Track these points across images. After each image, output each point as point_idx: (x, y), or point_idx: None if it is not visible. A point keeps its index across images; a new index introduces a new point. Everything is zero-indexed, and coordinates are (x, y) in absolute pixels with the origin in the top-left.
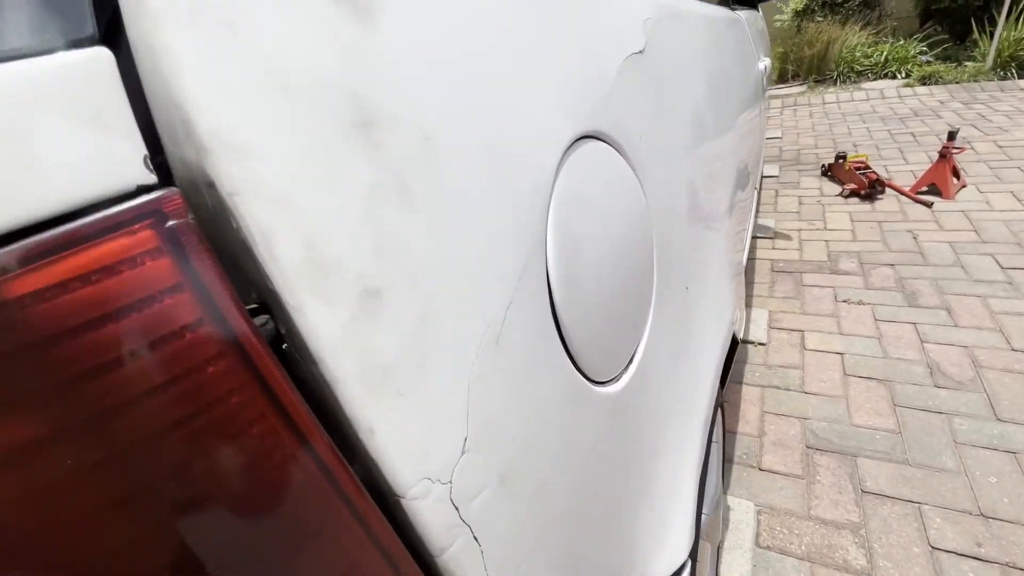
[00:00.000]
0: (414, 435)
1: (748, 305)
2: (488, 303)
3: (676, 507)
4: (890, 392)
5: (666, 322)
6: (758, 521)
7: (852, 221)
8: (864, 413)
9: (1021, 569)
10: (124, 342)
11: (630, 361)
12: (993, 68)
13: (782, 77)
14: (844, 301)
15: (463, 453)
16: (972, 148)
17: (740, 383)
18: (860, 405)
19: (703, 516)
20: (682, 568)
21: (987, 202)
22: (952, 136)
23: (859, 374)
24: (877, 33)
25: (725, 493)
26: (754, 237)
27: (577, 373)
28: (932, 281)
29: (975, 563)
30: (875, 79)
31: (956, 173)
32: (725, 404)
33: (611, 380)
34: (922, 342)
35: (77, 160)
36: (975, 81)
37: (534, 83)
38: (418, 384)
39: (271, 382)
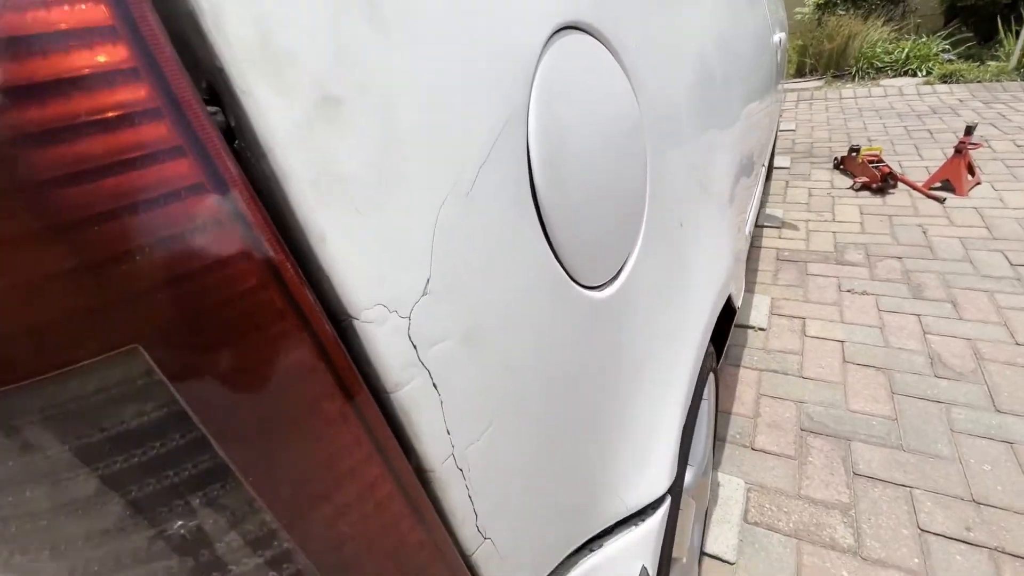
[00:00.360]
0: (370, 257)
1: (750, 291)
2: (460, 152)
3: (658, 437)
4: (889, 380)
5: (658, 247)
6: (747, 498)
7: (861, 214)
8: (861, 399)
9: (1010, 554)
10: (79, 112)
11: (618, 273)
12: (1017, 68)
13: (800, 71)
14: (848, 291)
15: (424, 294)
16: (989, 146)
17: (737, 366)
18: (858, 391)
19: (690, 471)
20: (660, 501)
21: (1001, 200)
22: (969, 131)
23: (858, 361)
24: (900, 29)
25: (715, 470)
26: (760, 226)
27: (557, 265)
28: (939, 275)
29: (963, 547)
30: (895, 76)
31: (971, 169)
32: (719, 374)
33: (597, 287)
34: (925, 333)
35: None
36: (997, 81)
37: None
38: (377, 206)
39: (221, 168)
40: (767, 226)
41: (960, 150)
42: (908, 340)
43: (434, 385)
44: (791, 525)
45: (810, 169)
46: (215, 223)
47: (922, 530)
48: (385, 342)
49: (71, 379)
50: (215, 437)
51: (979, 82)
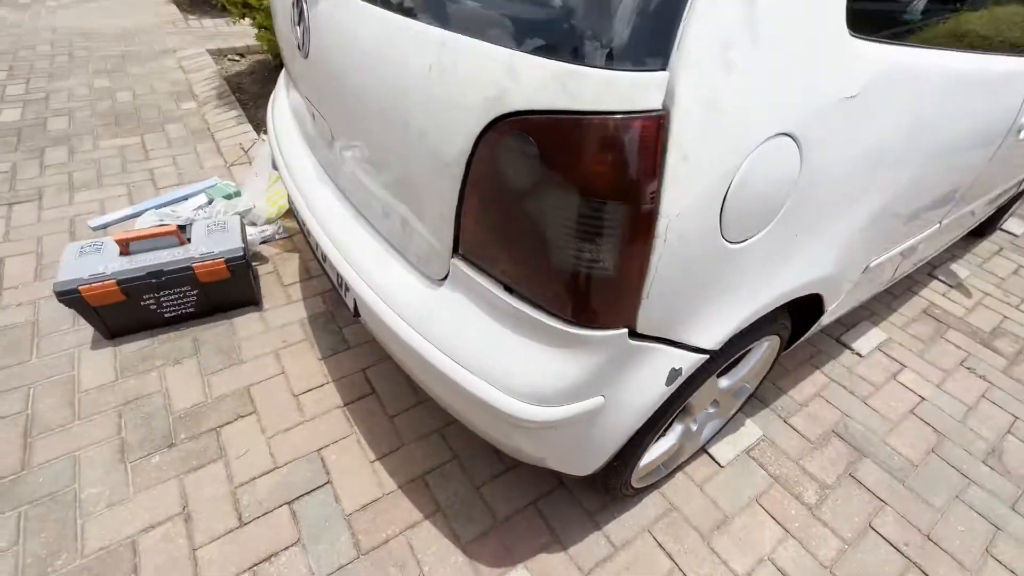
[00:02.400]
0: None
1: (873, 323)
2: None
3: (725, 322)
4: (938, 441)
5: (774, 237)
6: (757, 442)
7: None
8: (900, 440)
9: (924, 573)
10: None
11: (746, 239)
12: None
13: None
14: (969, 368)
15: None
16: None
17: (816, 368)
18: (903, 434)
19: (726, 380)
20: (705, 352)
21: None
22: None
23: (924, 418)
24: None
25: (748, 418)
26: (933, 276)
27: (720, 231)
28: None
29: (891, 550)
30: None
31: None
32: (784, 351)
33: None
34: (1008, 432)
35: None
36: None
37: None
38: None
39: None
40: (940, 279)
41: None
42: (986, 429)
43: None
44: (777, 472)
45: None
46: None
47: (871, 526)
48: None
49: None
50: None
51: None
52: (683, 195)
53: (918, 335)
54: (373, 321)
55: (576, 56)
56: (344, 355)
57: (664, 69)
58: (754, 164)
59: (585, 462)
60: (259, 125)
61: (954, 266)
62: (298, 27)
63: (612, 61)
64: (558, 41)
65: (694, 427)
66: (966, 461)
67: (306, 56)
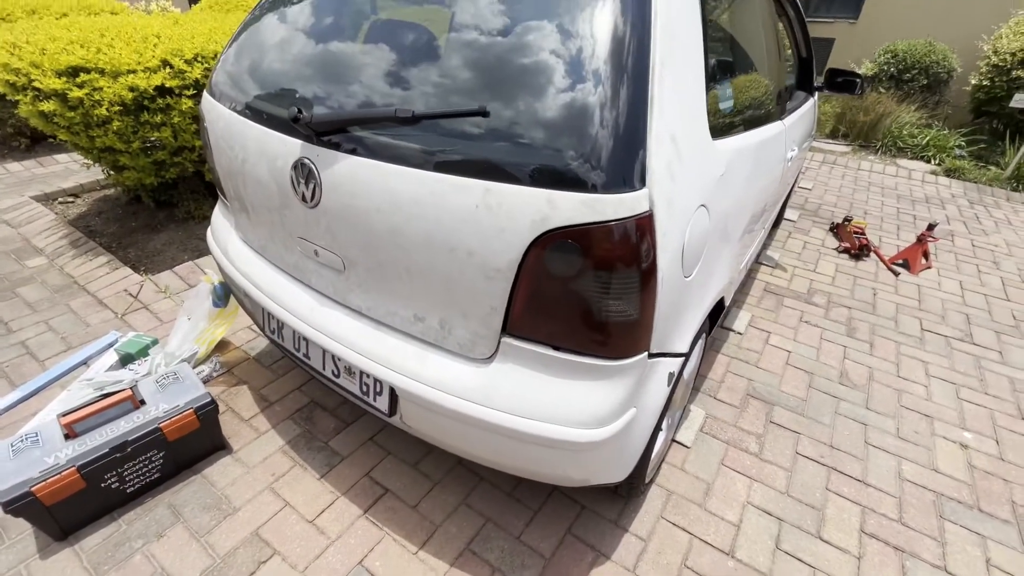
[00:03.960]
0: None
1: (738, 307)
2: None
3: (689, 327)
4: (810, 379)
5: (704, 266)
6: (705, 421)
7: (836, 271)
8: (789, 386)
9: (838, 471)
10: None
11: (693, 271)
12: (1009, 178)
13: (833, 134)
14: (805, 322)
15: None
16: (952, 240)
17: (718, 351)
18: (789, 381)
19: (686, 375)
20: (683, 356)
21: (938, 284)
22: (931, 227)
23: (796, 365)
24: (931, 116)
25: (689, 403)
26: (759, 262)
27: (681, 269)
28: (870, 325)
29: (814, 464)
30: (912, 158)
31: (926, 255)
32: (708, 344)
33: (688, 276)
34: (844, 359)
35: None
36: (989, 185)
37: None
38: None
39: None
40: (764, 264)
41: (920, 240)
42: (831, 360)
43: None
44: (726, 437)
45: (811, 226)
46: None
47: (797, 453)
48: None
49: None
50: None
51: (975, 182)
52: (666, 254)
53: (768, 307)
54: (423, 411)
55: (595, 189)
56: (342, 467)
57: (644, 187)
58: (692, 227)
59: (622, 468)
60: (136, 266)
61: (769, 252)
62: (301, 183)
63: (618, 188)
64: (583, 181)
65: (670, 420)
66: (829, 386)
67: (314, 207)
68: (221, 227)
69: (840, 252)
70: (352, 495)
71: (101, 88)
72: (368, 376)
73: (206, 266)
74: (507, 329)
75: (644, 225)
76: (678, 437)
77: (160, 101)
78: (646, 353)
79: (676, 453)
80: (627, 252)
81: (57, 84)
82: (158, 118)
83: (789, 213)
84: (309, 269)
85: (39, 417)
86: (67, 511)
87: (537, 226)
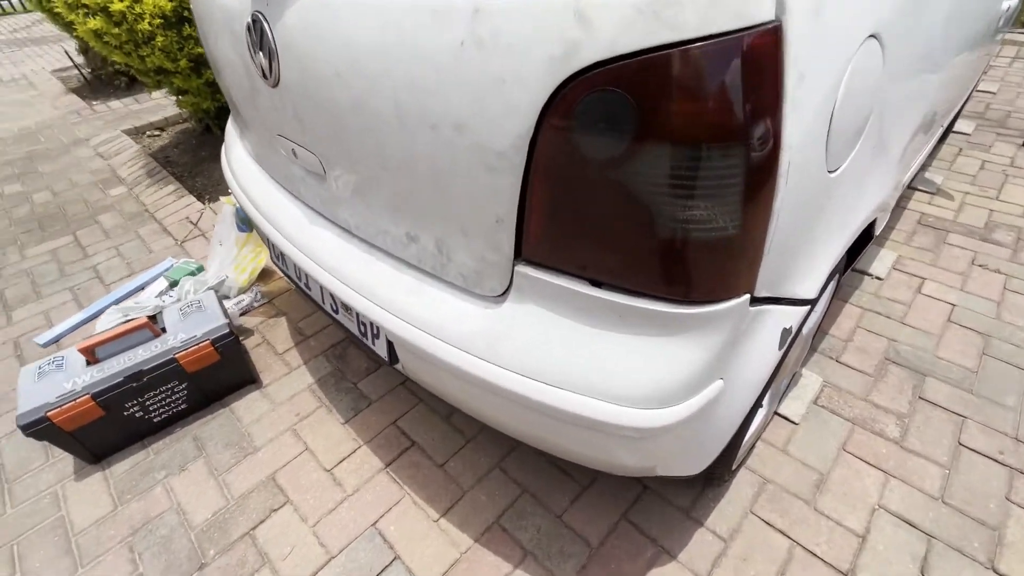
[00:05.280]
0: None
1: (879, 245)
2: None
3: (822, 265)
4: (985, 343)
5: (861, 156)
6: (821, 390)
7: None
8: (951, 351)
9: None
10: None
11: (840, 166)
12: None
13: None
14: (980, 266)
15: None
16: None
17: (845, 301)
18: (950, 344)
19: (805, 332)
20: (807, 302)
21: None
22: None
23: (962, 323)
24: None
25: (801, 366)
26: (912, 188)
27: (824, 153)
28: None
29: (989, 462)
30: None
31: None
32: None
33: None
34: None
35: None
36: None
37: None
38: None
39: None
40: (920, 190)
41: None
42: (1021, 319)
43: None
44: (851, 415)
45: (994, 140)
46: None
47: (960, 444)
48: None
49: None
50: None
51: None
52: (800, 122)
53: (923, 246)
54: (422, 363)
55: None
56: (368, 412)
57: None
58: (853, 74)
59: (700, 458)
60: (202, 194)
61: (928, 175)
62: (260, 54)
63: None
64: None
65: (774, 391)
66: (1018, 355)
67: (275, 85)
68: (231, 138)
69: None
70: (375, 445)
71: (141, 0)
72: (362, 315)
73: None
74: (523, 253)
75: (768, 49)
76: (782, 409)
77: None
78: (748, 296)
79: (778, 429)
80: (729, 106)
81: None
82: None
83: (961, 124)
84: (296, 177)
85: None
86: (93, 437)
87: (557, 68)
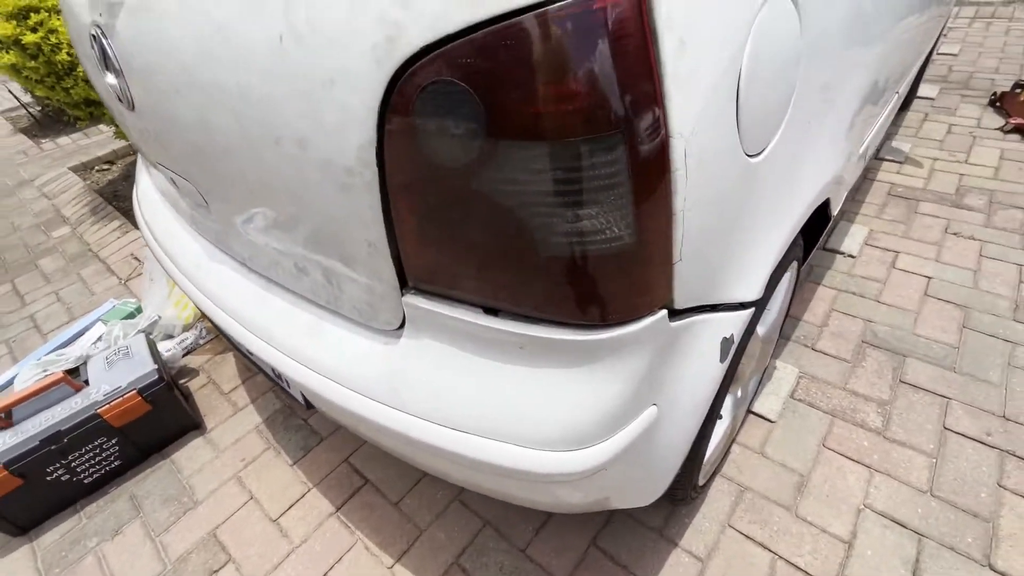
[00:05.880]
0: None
1: (849, 221)
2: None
3: (760, 262)
4: (964, 316)
5: (791, 133)
6: (797, 382)
7: (1001, 159)
8: (929, 327)
9: (1019, 457)
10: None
11: (764, 149)
12: None
13: None
14: (954, 234)
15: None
16: None
17: (817, 283)
18: (928, 320)
19: (761, 327)
20: (749, 305)
21: None
22: None
23: (939, 296)
24: None
25: (774, 358)
26: (880, 158)
27: (738, 136)
28: None
29: (977, 445)
30: None
31: None
32: (801, 279)
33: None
34: (1020, 282)
35: None
36: None
37: None
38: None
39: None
40: (888, 159)
41: None
42: (1000, 286)
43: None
44: (830, 407)
45: (959, 103)
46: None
47: (945, 428)
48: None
49: None
50: None
51: None
52: (691, 100)
53: (895, 218)
54: (331, 409)
55: None
56: (319, 450)
57: None
58: (759, 39)
59: (653, 486)
60: None
61: (895, 143)
62: (109, 73)
63: None
64: None
65: (739, 394)
66: (999, 325)
67: (132, 107)
68: (139, 171)
69: (1007, 131)
70: (326, 487)
71: (56, 29)
72: (261, 360)
73: None
74: (405, 281)
75: (629, 10)
76: (757, 407)
77: None
78: (664, 311)
79: (754, 429)
80: (590, 88)
81: (9, 29)
82: None
83: (924, 89)
84: (184, 208)
85: None
86: (13, 507)
87: (382, 58)
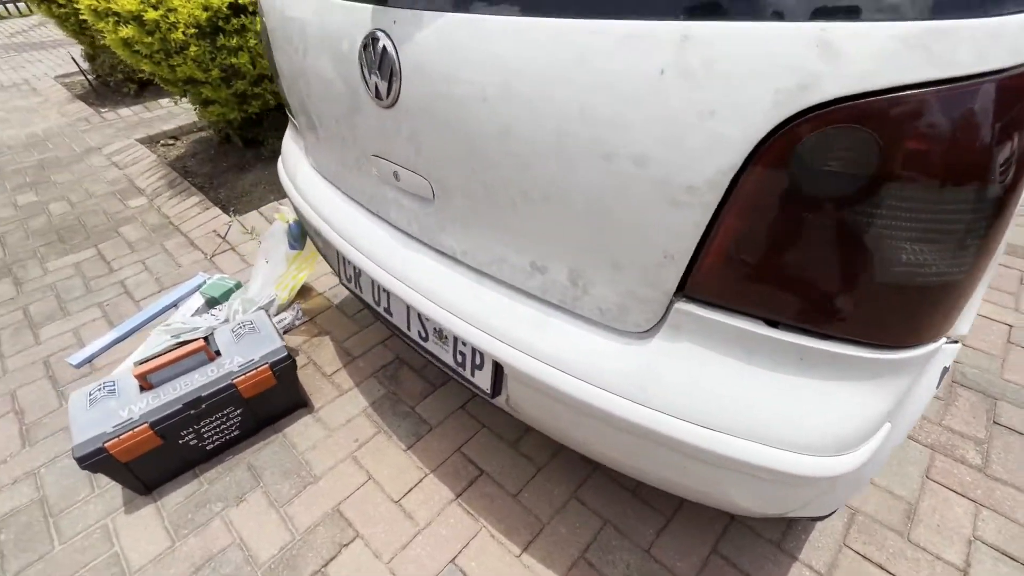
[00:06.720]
0: None
1: None
2: None
3: (982, 290)
4: None
5: None
6: None
7: None
8: (1017, 374)
9: None
10: None
11: None
12: None
13: None
14: None
15: None
16: None
17: None
18: (1016, 367)
19: None
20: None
21: None
22: None
23: (1020, 344)
24: None
25: None
26: None
27: None
28: None
29: None
30: None
31: None
32: None
33: None
34: None
35: None
36: None
37: None
38: None
39: None
40: None
41: None
42: None
43: None
44: (929, 440)
45: None
46: None
47: None
48: None
49: None
50: None
51: None
52: None
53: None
54: (542, 399)
55: (936, 11)
56: (430, 438)
57: None
58: None
59: (841, 499)
60: (226, 206)
61: None
62: (374, 72)
63: (991, 5)
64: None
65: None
66: None
67: (391, 106)
68: (291, 154)
69: None
70: (442, 474)
71: (176, 8)
72: (464, 344)
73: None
74: (685, 289)
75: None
76: None
77: (235, 21)
78: (944, 340)
79: None
80: (995, 147)
81: (132, 5)
82: (234, 41)
83: None
84: (388, 199)
85: (124, 363)
86: (147, 467)
87: (788, 99)
